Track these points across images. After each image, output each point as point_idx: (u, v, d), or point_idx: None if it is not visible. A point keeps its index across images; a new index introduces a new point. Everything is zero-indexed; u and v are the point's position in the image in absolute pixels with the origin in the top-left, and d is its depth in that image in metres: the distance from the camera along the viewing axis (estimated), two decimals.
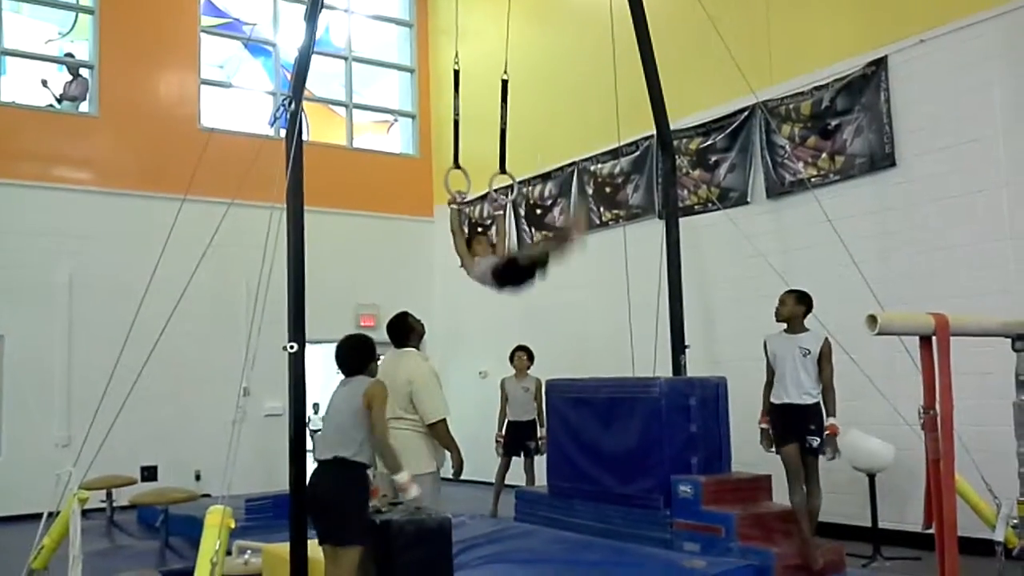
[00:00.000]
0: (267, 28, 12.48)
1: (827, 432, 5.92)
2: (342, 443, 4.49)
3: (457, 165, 6.25)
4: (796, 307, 6.17)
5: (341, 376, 4.90)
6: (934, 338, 2.91)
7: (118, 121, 10.95)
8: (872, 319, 2.84)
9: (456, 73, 6.32)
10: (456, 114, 6.27)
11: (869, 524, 6.74)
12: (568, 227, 5.46)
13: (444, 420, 5.40)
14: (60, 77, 11.18)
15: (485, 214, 10.42)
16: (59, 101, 11.05)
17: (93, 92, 11.01)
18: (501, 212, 6.83)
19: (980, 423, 5.87)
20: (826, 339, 6.06)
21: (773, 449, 6.11)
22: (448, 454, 5.52)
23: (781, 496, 6.63)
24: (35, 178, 10.32)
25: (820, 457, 6.00)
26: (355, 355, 4.80)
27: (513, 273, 5.46)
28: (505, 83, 6.46)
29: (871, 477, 6.75)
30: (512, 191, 6.91)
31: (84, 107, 11.08)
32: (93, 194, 10.61)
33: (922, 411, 2.96)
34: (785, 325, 6.23)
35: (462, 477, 6.04)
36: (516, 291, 5.67)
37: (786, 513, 6.20)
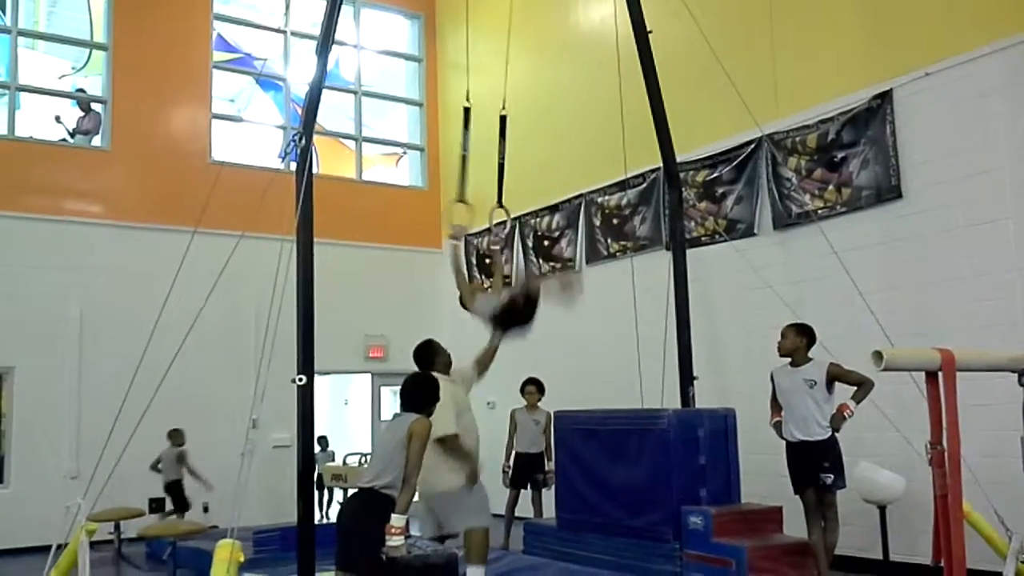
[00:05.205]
0: (277, 63, 12.62)
1: (837, 410, 5.93)
2: (378, 475, 4.51)
3: (462, 199, 6.27)
4: (797, 340, 6.19)
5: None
6: (940, 373, 2.91)
7: (130, 155, 11.03)
8: (878, 355, 2.85)
9: (466, 111, 6.37)
10: (464, 150, 6.32)
11: (880, 557, 6.68)
12: (564, 284, 5.99)
13: (455, 436, 5.34)
14: (73, 112, 11.30)
15: (486, 246, 10.52)
16: (72, 136, 11.16)
17: (105, 126, 11.11)
18: (497, 248, 6.89)
19: (992, 454, 5.82)
20: (830, 363, 6.08)
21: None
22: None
23: (792, 528, 6.58)
24: (47, 212, 10.40)
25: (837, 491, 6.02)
26: (420, 393, 4.76)
27: (512, 317, 5.75)
28: (504, 119, 6.50)
29: (882, 509, 6.69)
30: (505, 226, 6.94)
31: (96, 141, 11.18)
32: (104, 227, 10.67)
33: (929, 447, 2.96)
34: (789, 359, 6.25)
35: None
36: (518, 335, 5.78)
37: (797, 546, 6.16)
